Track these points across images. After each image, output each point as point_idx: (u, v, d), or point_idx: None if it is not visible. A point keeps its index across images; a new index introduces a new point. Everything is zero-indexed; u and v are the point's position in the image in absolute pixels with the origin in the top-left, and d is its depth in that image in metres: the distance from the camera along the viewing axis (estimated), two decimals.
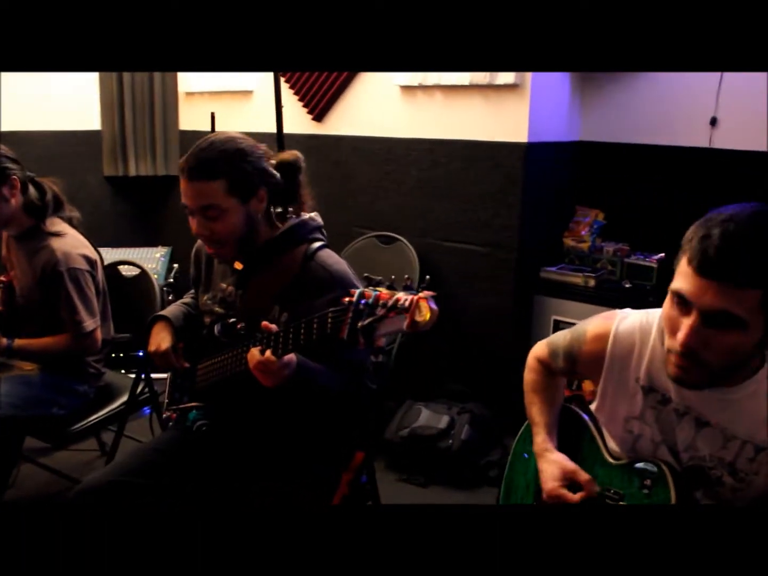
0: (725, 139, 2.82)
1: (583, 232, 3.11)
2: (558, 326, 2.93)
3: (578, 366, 1.39)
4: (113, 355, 2.69)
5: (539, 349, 1.52)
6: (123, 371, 2.95)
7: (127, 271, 2.57)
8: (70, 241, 2.14)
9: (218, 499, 1.61)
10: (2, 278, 2.25)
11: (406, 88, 2.97)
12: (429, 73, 2.83)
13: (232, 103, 3.64)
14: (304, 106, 3.28)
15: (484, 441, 2.70)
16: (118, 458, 1.69)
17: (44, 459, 2.68)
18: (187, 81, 3.79)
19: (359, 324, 1.14)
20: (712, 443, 1.20)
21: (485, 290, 2.89)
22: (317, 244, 1.65)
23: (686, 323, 1.06)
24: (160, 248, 3.69)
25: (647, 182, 3.04)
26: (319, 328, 1.26)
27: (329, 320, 1.22)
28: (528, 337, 2.99)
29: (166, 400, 1.90)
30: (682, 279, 1.06)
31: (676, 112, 2.92)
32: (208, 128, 3.77)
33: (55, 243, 2.10)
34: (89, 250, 2.19)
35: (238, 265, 1.67)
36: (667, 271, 2.87)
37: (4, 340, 2.06)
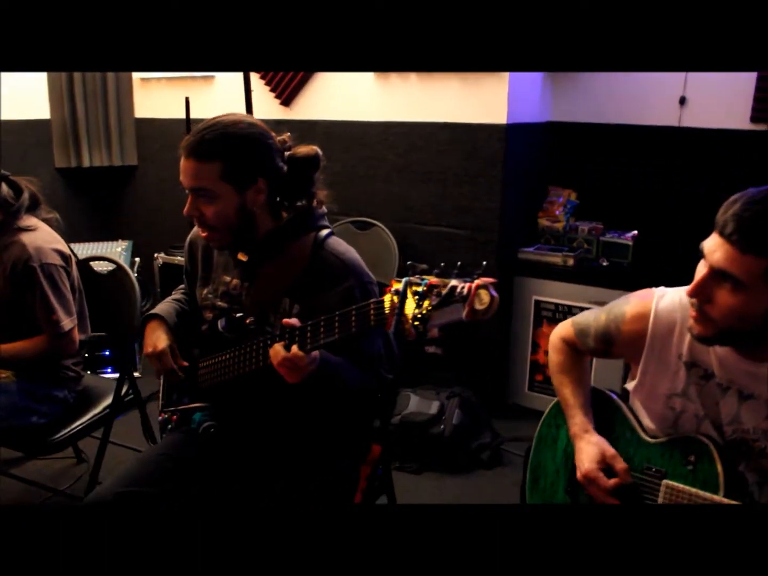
0: (694, 118, 2.89)
1: (557, 212, 3.14)
2: (539, 306, 2.95)
3: (615, 346, 1.38)
4: (86, 355, 2.54)
5: (564, 329, 1.51)
6: (91, 372, 2.81)
7: (98, 267, 2.43)
8: (42, 236, 2.01)
9: (237, 502, 1.54)
10: None
11: (379, 72, 2.91)
12: None
13: (192, 88, 3.49)
14: (271, 90, 3.18)
15: (474, 425, 2.70)
16: (123, 467, 1.59)
17: (16, 470, 2.52)
18: None
19: (411, 314, 1.10)
20: (756, 415, 1.22)
21: None
22: (325, 232, 1.58)
23: (699, 274, 1.17)
24: (120, 242, 3.52)
25: (619, 161, 3.09)
26: (359, 321, 1.20)
27: (372, 312, 1.17)
28: (510, 318, 3.00)
29: (161, 402, 1.81)
30: (709, 238, 1.17)
31: (646, 92, 2.98)
32: (166, 115, 3.63)
33: (26, 237, 1.96)
34: (62, 246, 2.06)
35: (242, 257, 1.58)
36: (641, 248, 2.96)
37: None
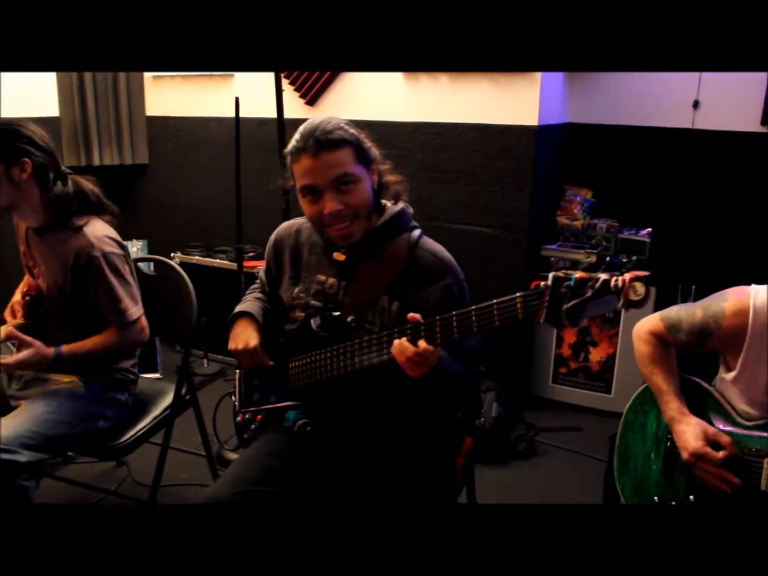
0: (707, 121, 3.03)
1: (575, 210, 3.25)
2: None
3: (711, 340, 1.48)
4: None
5: (652, 323, 1.60)
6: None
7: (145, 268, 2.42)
8: (100, 227, 1.97)
9: (347, 500, 1.57)
10: (24, 289, 2.04)
11: (409, 72, 2.96)
12: None
13: (208, 87, 3.48)
14: (296, 89, 3.19)
15: (509, 417, 2.78)
16: (230, 469, 1.60)
17: (58, 473, 2.48)
18: None
19: (564, 307, 1.16)
20: None
21: (496, 272, 2.95)
22: (418, 232, 1.64)
23: None
24: (135, 242, 3.47)
25: (633, 161, 3.22)
26: (502, 314, 1.25)
27: (519, 305, 1.22)
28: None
29: (237, 402, 1.82)
30: None
31: (661, 95, 3.11)
32: (179, 113, 3.60)
33: (86, 228, 1.92)
34: (119, 237, 2.02)
35: (339, 256, 1.62)
36: (657, 245, 3.09)
37: (51, 350, 1.87)
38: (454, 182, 2.97)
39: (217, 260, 3.39)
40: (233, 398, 1.86)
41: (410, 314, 1.39)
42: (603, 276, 1.15)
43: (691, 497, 1.49)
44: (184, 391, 2.19)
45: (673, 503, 1.53)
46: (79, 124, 3.46)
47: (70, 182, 1.96)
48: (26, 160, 1.85)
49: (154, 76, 3.62)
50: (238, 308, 1.78)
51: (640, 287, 1.12)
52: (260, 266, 3.16)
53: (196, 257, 3.44)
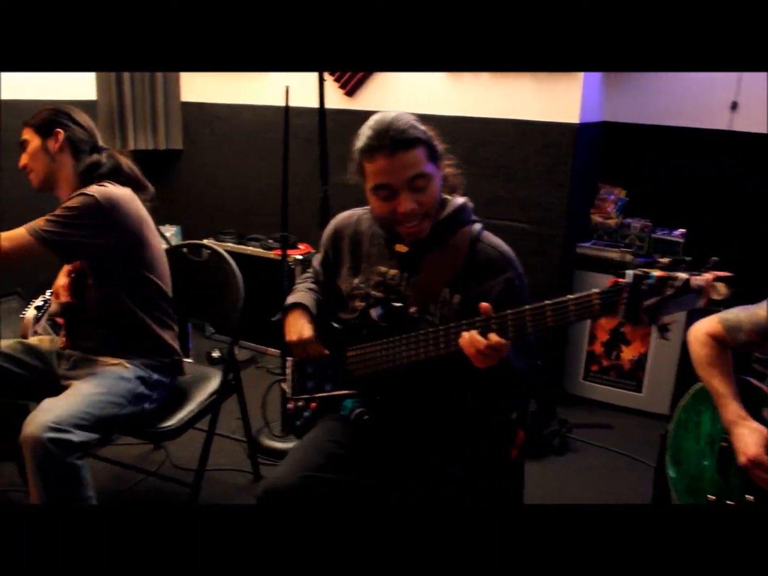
0: (745, 123, 3.03)
1: (609, 209, 3.25)
2: None
3: None
4: None
5: (710, 326, 1.62)
6: None
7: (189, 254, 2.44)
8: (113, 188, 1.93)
9: (405, 490, 1.59)
10: (70, 266, 2.06)
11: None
12: None
13: (243, 75, 3.48)
14: (336, 80, 3.20)
15: (544, 413, 2.80)
16: (291, 454, 1.62)
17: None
18: None
19: (644, 304, 1.18)
20: None
21: (532, 267, 2.95)
22: (479, 226, 1.66)
23: None
24: (168, 227, 3.49)
25: (667, 161, 3.22)
26: (579, 310, 1.27)
27: (596, 302, 1.24)
28: None
29: (289, 390, 1.84)
30: None
31: (698, 96, 3.11)
32: (213, 100, 3.61)
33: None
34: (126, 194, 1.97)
35: (402, 248, 1.63)
36: (689, 246, 3.09)
37: None
38: (493, 177, 2.98)
39: (251, 248, 3.41)
40: (283, 385, 1.89)
41: (483, 304, 1.40)
42: (684, 275, 1.17)
43: (749, 497, 1.51)
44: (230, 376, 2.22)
45: (730, 503, 1.55)
46: (115, 108, 3.47)
47: (105, 155, 2.01)
48: (59, 130, 1.95)
49: None
50: (291, 299, 1.79)
51: (722, 287, 1.14)
52: (297, 255, 3.15)
53: (230, 244, 3.45)
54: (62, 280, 2.12)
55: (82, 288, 2.03)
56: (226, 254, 2.31)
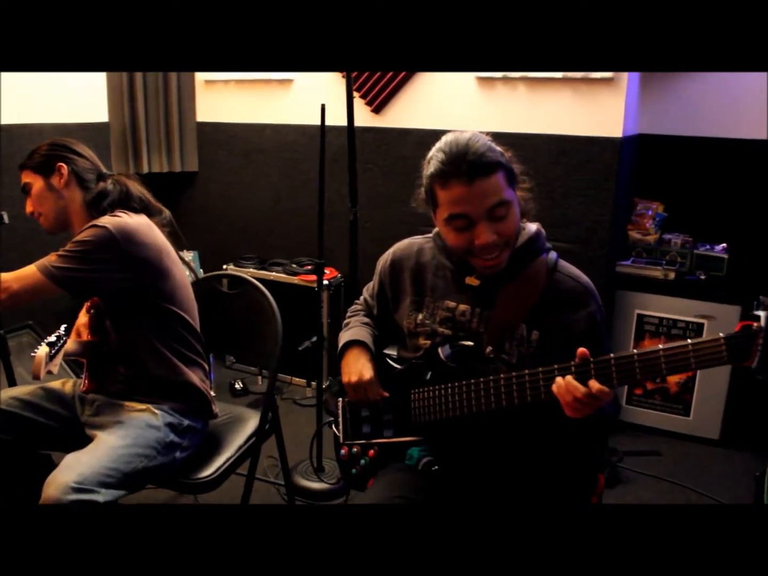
0: None
1: (647, 224, 3.13)
2: (642, 320, 2.93)
3: None
4: None
5: None
6: None
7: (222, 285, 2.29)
8: (125, 218, 1.77)
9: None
10: (89, 303, 1.90)
11: (485, 80, 2.84)
12: None
13: (265, 92, 3.35)
14: (361, 96, 3.07)
15: None
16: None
17: None
18: None
19: None
20: None
21: None
22: (554, 254, 1.52)
23: None
24: (185, 253, 3.33)
25: (706, 174, 3.10)
26: (702, 357, 1.13)
27: (724, 348, 1.10)
28: (611, 332, 2.98)
29: (341, 433, 1.70)
30: None
31: (735, 106, 2.99)
32: (232, 120, 3.47)
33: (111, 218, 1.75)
34: (142, 226, 1.81)
35: (473, 281, 1.50)
36: (733, 261, 2.97)
37: None
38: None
39: (273, 273, 3.26)
40: (334, 428, 1.74)
41: (581, 349, 1.27)
42: None
43: None
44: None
45: None
46: (128, 129, 3.33)
47: (111, 182, 1.86)
48: (62, 164, 1.82)
49: (206, 81, 3.49)
50: (348, 336, 1.66)
51: None
52: (323, 280, 2.97)
53: (251, 270, 3.30)
54: (83, 318, 1.97)
55: (103, 325, 1.87)
56: (261, 286, 2.15)
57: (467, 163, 1.32)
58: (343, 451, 1.68)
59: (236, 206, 3.58)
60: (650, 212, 3.14)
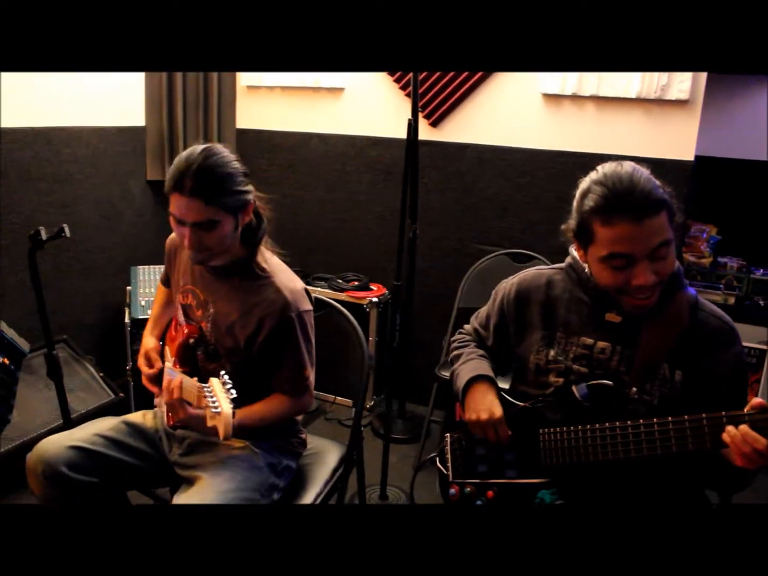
0: None
1: (702, 247, 3.09)
2: None
3: None
4: None
5: None
6: None
7: None
8: (288, 276, 1.70)
9: None
10: (186, 328, 1.70)
11: (551, 97, 2.77)
12: (585, 83, 2.65)
13: (311, 101, 3.23)
14: (419, 109, 2.97)
15: None
16: None
17: None
18: (251, 73, 3.31)
19: None
20: None
21: None
22: (693, 290, 1.45)
23: None
24: None
25: (759, 198, 3.08)
26: None
27: None
28: None
29: (449, 471, 1.60)
30: None
31: None
32: (272, 127, 3.35)
33: (276, 278, 1.64)
34: (306, 287, 1.77)
35: (614, 318, 1.42)
36: None
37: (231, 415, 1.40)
38: None
39: (318, 288, 3.14)
40: (439, 465, 1.65)
41: (756, 400, 1.19)
42: None
43: None
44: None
45: None
46: (165, 134, 3.18)
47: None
48: (251, 201, 1.63)
49: (248, 87, 3.36)
50: (472, 370, 1.56)
51: None
52: (372, 297, 2.87)
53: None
54: (151, 343, 1.82)
55: (194, 356, 1.71)
56: (344, 309, 2.04)
57: (635, 201, 1.24)
58: (453, 491, 1.59)
59: (278, 218, 3.43)
60: (704, 235, 3.10)
